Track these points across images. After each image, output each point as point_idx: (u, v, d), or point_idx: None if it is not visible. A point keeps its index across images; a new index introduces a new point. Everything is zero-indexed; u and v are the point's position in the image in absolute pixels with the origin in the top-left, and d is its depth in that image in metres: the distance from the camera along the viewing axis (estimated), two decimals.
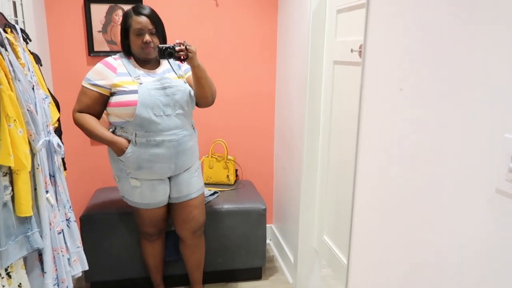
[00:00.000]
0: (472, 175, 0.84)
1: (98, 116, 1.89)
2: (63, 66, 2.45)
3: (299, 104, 2.25)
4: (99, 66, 1.83)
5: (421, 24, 0.98)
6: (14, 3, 1.87)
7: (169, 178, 1.96)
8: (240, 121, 2.75)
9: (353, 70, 1.75)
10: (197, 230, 2.08)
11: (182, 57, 1.73)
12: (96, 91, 1.82)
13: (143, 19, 1.78)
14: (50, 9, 2.37)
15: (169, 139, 1.84)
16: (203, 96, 1.88)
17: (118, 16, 2.41)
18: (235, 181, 2.66)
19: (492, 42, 0.78)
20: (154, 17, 1.82)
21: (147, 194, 1.92)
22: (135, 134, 1.82)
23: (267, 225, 2.44)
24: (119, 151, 1.84)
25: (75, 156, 2.51)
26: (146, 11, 1.80)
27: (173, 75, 1.89)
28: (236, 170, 2.69)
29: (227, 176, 2.59)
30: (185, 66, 1.92)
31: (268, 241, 2.94)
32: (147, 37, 1.79)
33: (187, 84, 1.90)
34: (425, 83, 0.97)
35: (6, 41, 1.42)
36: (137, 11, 1.80)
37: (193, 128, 1.99)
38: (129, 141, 1.83)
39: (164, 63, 1.93)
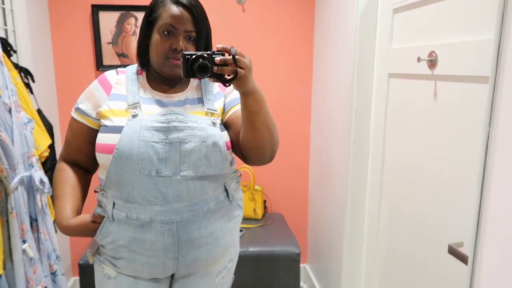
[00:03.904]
0: None
1: (91, 165, 1.16)
2: (68, 82, 2.18)
3: (343, 127, 1.85)
4: (93, 82, 1.14)
5: None
6: (4, 10, 1.59)
7: (172, 276, 1.15)
8: None
9: (419, 86, 1.34)
10: None
11: (226, 75, 0.95)
12: (79, 121, 1.12)
13: (181, 12, 1.04)
14: (54, 17, 2.10)
15: (163, 218, 1.04)
16: (257, 146, 1.05)
17: (131, 25, 2.11)
18: (263, 215, 2.27)
19: None
20: (198, 13, 1.06)
21: None
22: (113, 203, 1.07)
23: (300, 265, 2.04)
24: (85, 235, 1.11)
25: None
26: (187, 0, 1.06)
27: (197, 107, 1.11)
28: (265, 201, 2.30)
29: (254, 209, 2.21)
30: (232, 95, 1.15)
31: (302, 283, 2.52)
32: (180, 43, 1.05)
33: (217, 127, 1.08)
34: None
35: None
36: None
37: (228, 197, 1.14)
38: (102, 217, 1.10)
39: (198, 84, 1.16)
